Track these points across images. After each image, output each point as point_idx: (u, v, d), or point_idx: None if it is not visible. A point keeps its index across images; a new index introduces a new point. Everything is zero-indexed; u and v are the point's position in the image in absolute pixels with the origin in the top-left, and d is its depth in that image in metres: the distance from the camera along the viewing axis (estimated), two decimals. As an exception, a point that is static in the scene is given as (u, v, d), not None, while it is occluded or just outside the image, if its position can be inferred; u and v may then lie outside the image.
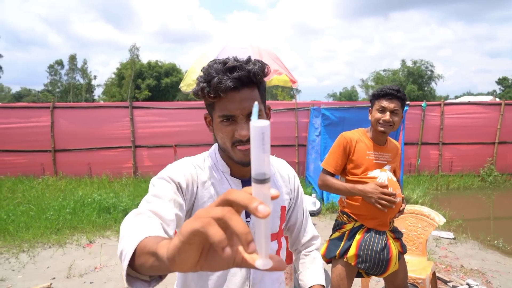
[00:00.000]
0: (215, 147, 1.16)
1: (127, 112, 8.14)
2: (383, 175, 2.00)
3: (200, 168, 1.10)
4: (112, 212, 5.55)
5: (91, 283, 3.46)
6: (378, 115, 2.02)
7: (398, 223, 2.94)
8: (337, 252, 2.03)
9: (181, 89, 4.73)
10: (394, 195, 1.93)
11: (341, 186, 2.03)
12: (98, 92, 50.71)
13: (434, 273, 2.84)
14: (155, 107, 8.47)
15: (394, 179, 2.04)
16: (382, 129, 2.01)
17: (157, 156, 8.16)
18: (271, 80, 4.84)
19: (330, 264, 2.13)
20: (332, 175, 2.10)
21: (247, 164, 1.02)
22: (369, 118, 2.09)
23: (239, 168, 1.10)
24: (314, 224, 5.32)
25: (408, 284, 2.23)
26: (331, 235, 2.15)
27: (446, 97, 45.21)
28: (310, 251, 1.34)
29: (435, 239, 4.70)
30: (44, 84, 51.06)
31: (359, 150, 2.05)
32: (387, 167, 2.05)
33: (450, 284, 3.36)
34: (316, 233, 1.36)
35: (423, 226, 2.93)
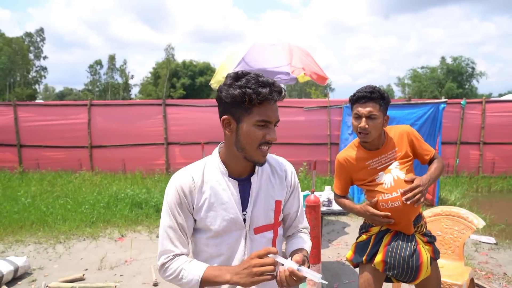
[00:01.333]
0: (216, 151, 1.32)
1: (160, 109, 8.30)
2: (388, 178, 1.89)
3: (197, 177, 1.25)
4: (143, 208, 5.67)
5: (121, 275, 3.53)
6: (354, 123, 1.90)
7: (432, 225, 2.78)
8: (364, 257, 1.95)
9: (212, 86, 4.78)
10: (387, 215, 1.84)
11: (349, 205, 2.06)
12: (135, 91, 52.33)
13: (472, 280, 2.67)
14: (188, 105, 8.58)
15: (403, 176, 1.87)
16: (362, 140, 1.91)
17: (189, 153, 8.24)
18: (302, 76, 4.77)
19: (358, 269, 2.04)
20: (342, 196, 2.10)
21: (263, 163, 1.23)
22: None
23: (237, 169, 1.27)
24: (346, 226, 5.20)
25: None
26: (357, 238, 2.06)
27: (489, 95, 42.88)
28: (301, 232, 1.47)
29: (474, 243, 4.43)
30: (84, 83, 53.35)
31: (357, 165, 1.97)
32: (394, 165, 1.91)
33: (490, 292, 3.15)
34: (308, 225, 1.50)
35: (460, 229, 2.75)
